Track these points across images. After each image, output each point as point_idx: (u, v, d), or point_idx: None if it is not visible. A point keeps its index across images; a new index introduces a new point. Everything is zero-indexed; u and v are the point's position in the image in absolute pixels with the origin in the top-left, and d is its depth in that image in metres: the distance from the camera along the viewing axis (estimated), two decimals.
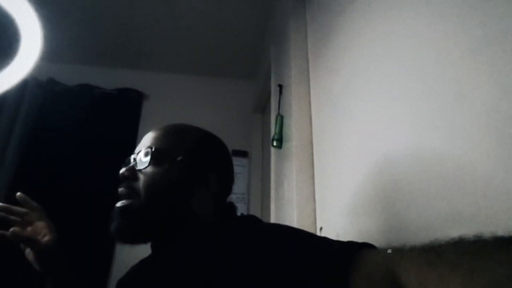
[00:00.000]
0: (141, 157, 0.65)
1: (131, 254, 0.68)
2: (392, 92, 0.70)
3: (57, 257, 0.74)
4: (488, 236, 0.28)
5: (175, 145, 0.67)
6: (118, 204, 0.63)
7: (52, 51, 1.45)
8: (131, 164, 0.67)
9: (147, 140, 0.68)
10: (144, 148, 0.66)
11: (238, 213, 0.75)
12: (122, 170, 0.65)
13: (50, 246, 0.73)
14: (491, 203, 0.41)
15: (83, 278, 0.77)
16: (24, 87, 2.32)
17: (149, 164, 0.64)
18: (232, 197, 0.76)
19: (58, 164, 2.23)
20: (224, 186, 0.72)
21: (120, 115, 2.48)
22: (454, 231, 0.38)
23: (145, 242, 0.65)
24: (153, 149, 0.65)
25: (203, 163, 0.68)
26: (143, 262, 0.66)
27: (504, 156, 0.40)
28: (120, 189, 0.65)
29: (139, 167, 0.65)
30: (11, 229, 0.69)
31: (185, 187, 0.65)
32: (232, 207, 0.73)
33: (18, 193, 0.78)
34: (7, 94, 2.20)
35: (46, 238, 0.74)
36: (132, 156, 0.68)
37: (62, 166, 2.23)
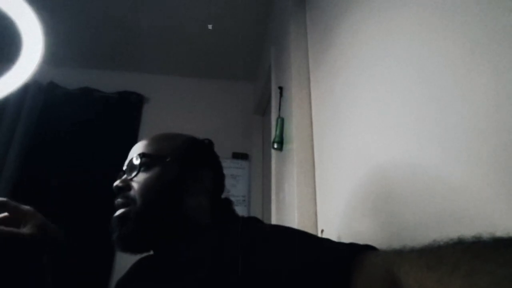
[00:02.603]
0: (131, 166, 0.67)
1: (132, 258, 0.68)
2: (391, 94, 0.70)
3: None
4: (487, 237, 0.28)
5: (163, 149, 0.69)
6: (116, 213, 0.64)
7: (53, 54, 1.45)
8: (123, 176, 0.68)
9: (135, 150, 0.70)
10: (134, 157, 0.67)
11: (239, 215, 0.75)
12: (116, 183, 0.66)
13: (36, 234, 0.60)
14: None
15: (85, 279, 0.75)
16: (25, 90, 2.32)
17: (140, 170, 0.65)
18: (233, 200, 0.76)
19: (59, 167, 2.23)
20: (216, 182, 0.73)
21: (120, 118, 2.48)
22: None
23: (147, 249, 0.66)
24: (141, 155, 0.66)
25: (192, 161, 0.70)
26: (143, 262, 0.66)
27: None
28: (116, 201, 0.65)
29: (131, 175, 0.66)
30: None
31: (178, 186, 0.66)
32: (228, 202, 0.74)
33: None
34: (9, 98, 2.20)
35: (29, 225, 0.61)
36: (124, 168, 0.69)
37: (63, 169, 2.23)
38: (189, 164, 0.69)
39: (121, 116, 2.49)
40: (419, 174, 0.57)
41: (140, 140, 0.72)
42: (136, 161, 0.66)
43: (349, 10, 0.98)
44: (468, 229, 0.43)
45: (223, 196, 0.76)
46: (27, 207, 0.64)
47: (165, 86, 2.71)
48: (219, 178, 0.75)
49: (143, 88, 2.62)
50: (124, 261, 0.74)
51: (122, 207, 0.64)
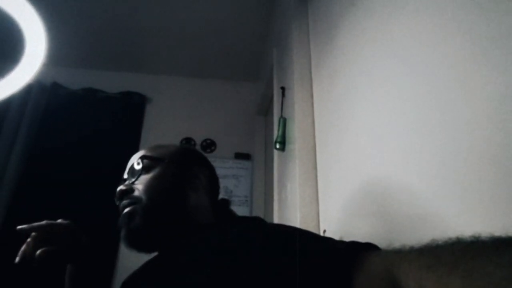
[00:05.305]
0: (133, 171, 0.70)
1: (135, 259, 0.68)
2: (392, 94, 0.70)
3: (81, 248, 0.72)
4: (485, 237, 0.27)
5: (161, 153, 0.73)
6: (123, 212, 0.65)
7: (56, 55, 1.46)
8: (126, 182, 0.70)
9: (134, 158, 0.74)
10: (134, 162, 0.71)
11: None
12: (119, 187, 0.69)
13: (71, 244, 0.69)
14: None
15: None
16: (28, 91, 2.34)
17: (142, 172, 0.69)
18: (235, 200, 0.78)
19: (62, 166, 2.25)
20: (212, 182, 0.77)
21: (123, 118, 2.49)
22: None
23: (153, 247, 0.66)
24: (142, 157, 0.70)
25: (189, 161, 0.75)
26: (149, 263, 0.67)
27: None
28: (122, 203, 0.67)
29: (133, 179, 0.69)
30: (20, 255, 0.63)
31: (179, 181, 0.70)
32: (227, 202, 0.78)
33: (18, 227, 0.67)
34: (12, 98, 2.22)
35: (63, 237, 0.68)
36: (124, 176, 0.72)
37: (66, 169, 2.24)
38: (186, 164, 0.73)
39: (124, 116, 2.50)
40: (417, 176, 0.57)
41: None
42: (138, 165, 0.70)
43: (351, 11, 0.98)
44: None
45: (225, 196, 0.79)
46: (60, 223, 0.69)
47: (167, 87, 2.72)
48: (214, 179, 0.79)
49: (145, 89, 2.63)
50: (127, 262, 0.74)
51: (128, 207, 0.65)
